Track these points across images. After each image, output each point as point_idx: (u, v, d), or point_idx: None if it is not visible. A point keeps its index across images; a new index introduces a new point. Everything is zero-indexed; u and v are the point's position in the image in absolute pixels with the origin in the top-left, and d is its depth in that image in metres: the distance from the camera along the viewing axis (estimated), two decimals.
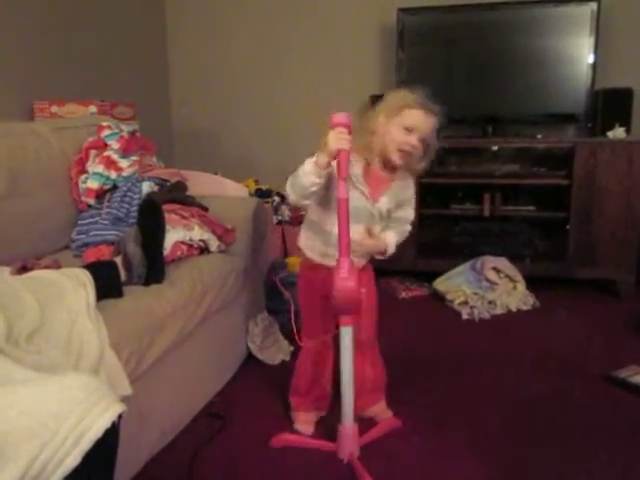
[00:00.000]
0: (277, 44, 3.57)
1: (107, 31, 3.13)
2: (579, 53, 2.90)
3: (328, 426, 1.69)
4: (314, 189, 1.45)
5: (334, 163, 1.42)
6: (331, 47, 3.48)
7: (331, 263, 1.50)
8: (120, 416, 0.90)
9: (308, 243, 1.63)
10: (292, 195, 1.49)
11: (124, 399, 1.21)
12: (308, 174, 1.42)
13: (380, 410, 1.78)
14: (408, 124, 1.48)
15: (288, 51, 3.56)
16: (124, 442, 0.99)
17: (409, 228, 1.66)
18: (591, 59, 2.88)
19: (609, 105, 2.85)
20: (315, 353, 1.69)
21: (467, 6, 3.06)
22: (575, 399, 1.88)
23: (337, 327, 1.53)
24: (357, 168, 1.52)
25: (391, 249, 1.59)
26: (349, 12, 3.42)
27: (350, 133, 1.41)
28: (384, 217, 1.59)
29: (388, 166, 1.56)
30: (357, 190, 1.51)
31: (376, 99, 3.06)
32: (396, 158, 1.51)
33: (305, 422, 1.73)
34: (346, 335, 1.51)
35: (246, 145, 3.74)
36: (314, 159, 1.42)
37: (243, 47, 3.64)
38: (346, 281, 1.41)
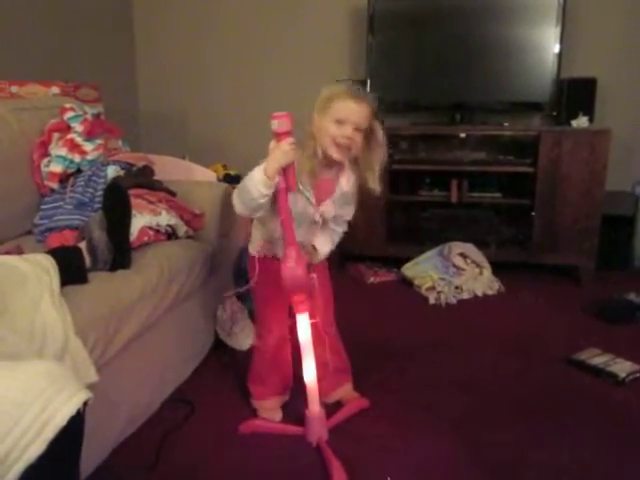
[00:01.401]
0: (247, 27, 3.52)
1: (71, 8, 3.03)
2: (545, 42, 2.94)
3: (295, 410, 1.71)
4: (263, 201, 1.40)
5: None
6: (302, 31, 3.45)
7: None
8: (86, 403, 0.89)
9: (263, 246, 1.64)
10: (240, 207, 1.45)
11: (90, 386, 1.20)
12: (258, 184, 1.38)
13: (346, 393, 1.80)
14: (339, 116, 1.44)
15: (258, 34, 3.51)
16: (91, 429, 0.98)
17: (344, 229, 1.67)
18: (557, 49, 2.92)
19: (574, 94, 2.90)
20: (273, 341, 1.70)
21: None
22: (537, 381, 1.94)
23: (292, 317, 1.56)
24: (303, 175, 1.48)
25: (323, 257, 1.63)
26: None
27: (290, 134, 1.39)
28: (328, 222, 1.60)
29: (332, 165, 1.53)
30: (302, 196, 1.50)
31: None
32: (333, 152, 1.47)
33: (271, 409, 1.74)
34: (303, 322, 1.53)
35: (214, 130, 3.69)
36: (262, 168, 1.38)
37: (213, 28, 3.57)
38: (294, 270, 1.44)
